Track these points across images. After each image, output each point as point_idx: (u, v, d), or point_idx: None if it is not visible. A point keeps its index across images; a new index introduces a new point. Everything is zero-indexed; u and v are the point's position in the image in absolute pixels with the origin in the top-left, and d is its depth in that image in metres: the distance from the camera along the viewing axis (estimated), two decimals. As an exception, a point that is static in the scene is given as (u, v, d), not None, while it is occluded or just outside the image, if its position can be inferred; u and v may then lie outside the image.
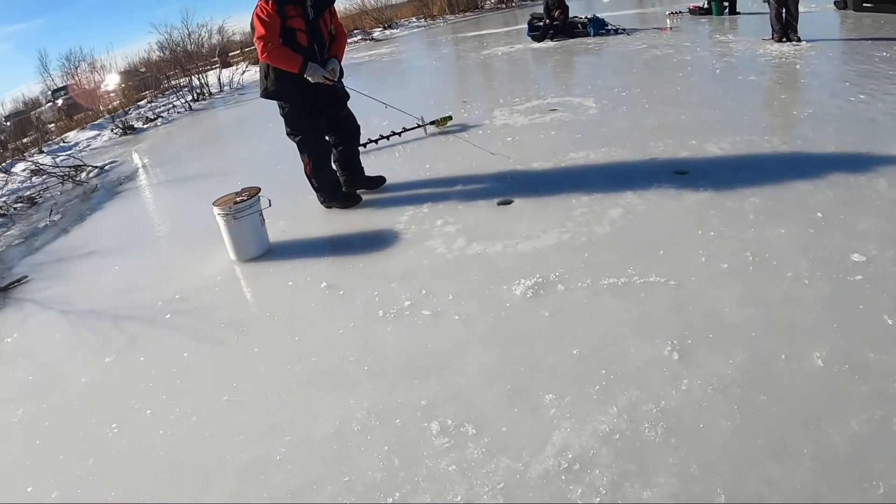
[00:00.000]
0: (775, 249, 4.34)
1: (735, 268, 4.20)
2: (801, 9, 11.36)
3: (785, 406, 3.08)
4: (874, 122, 6.53)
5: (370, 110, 7.42)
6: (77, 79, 29.95)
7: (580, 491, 2.78)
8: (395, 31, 30.19)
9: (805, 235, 4.46)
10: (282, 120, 5.98)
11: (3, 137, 20.90)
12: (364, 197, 6.42)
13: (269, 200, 5.60)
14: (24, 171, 12.47)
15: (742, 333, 3.61)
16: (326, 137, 6.14)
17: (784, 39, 11.35)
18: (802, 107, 7.49)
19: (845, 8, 14.43)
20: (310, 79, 5.56)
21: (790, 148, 6.10)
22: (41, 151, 15.31)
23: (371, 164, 7.18)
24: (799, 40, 11.17)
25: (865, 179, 5.17)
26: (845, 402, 3.07)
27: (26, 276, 6.56)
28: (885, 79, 8.12)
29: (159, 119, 16.63)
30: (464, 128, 8.60)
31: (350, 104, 6.25)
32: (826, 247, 4.29)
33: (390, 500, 2.86)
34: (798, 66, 9.55)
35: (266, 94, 5.81)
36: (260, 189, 5.54)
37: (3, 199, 10.61)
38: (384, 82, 14.51)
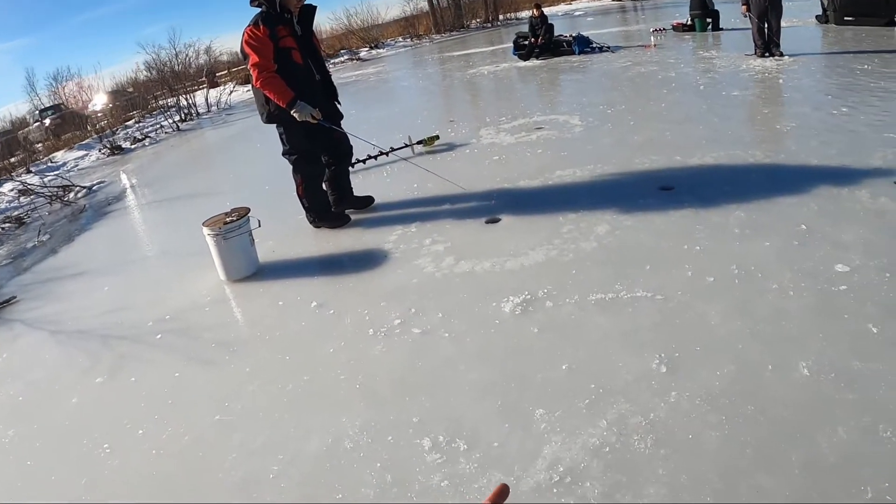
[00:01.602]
0: (761, 262, 4.38)
1: (721, 281, 4.24)
2: (782, 23, 11.51)
3: (773, 416, 3.11)
4: (856, 133, 6.60)
5: (355, 130, 7.44)
6: (66, 97, 29.99)
7: (572, 503, 2.79)
8: (381, 50, 30.35)
9: (790, 248, 4.50)
10: (277, 140, 6.01)
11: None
12: (353, 217, 6.44)
13: (259, 221, 5.61)
14: (11, 190, 12.45)
15: (729, 345, 3.64)
16: (322, 158, 6.16)
17: (766, 54, 11.50)
18: (785, 120, 7.59)
19: (827, 22, 14.62)
20: (296, 116, 5.60)
21: (774, 161, 6.17)
22: (29, 171, 15.28)
23: (359, 183, 7.20)
24: (781, 55, 11.31)
25: (848, 191, 5.23)
26: (832, 410, 3.10)
27: (15, 297, 6.54)
28: (866, 91, 8.23)
29: (147, 139, 16.64)
30: (451, 147, 8.65)
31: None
32: (811, 258, 4.34)
33: None
34: (781, 81, 9.65)
35: (269, 118, 5.82)
36: (249, 209, 5.55)
37: (-8, 218, 10.58)
38: (371, 102, 14.57)
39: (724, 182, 5.79)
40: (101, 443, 3.75)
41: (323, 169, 6.21)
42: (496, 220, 5.81)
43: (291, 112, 5.57)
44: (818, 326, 3.69)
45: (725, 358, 3.54)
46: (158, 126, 18.62)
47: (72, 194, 11.28)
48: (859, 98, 7.93)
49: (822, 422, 3.04)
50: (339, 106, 6.24)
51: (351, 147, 6.37)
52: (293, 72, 5.65)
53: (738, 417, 3.13)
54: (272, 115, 5.78)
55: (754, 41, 11.67)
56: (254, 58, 5.47)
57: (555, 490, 2.87)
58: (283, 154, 6.04)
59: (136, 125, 20.62)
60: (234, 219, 5.36)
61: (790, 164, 6.04)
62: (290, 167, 6.08)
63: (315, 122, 5.69)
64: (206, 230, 5.33)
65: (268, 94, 5.59)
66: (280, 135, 5.95)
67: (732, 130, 7.37)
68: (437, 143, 8.81)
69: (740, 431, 3.05)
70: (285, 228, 6.37)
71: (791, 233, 4.69)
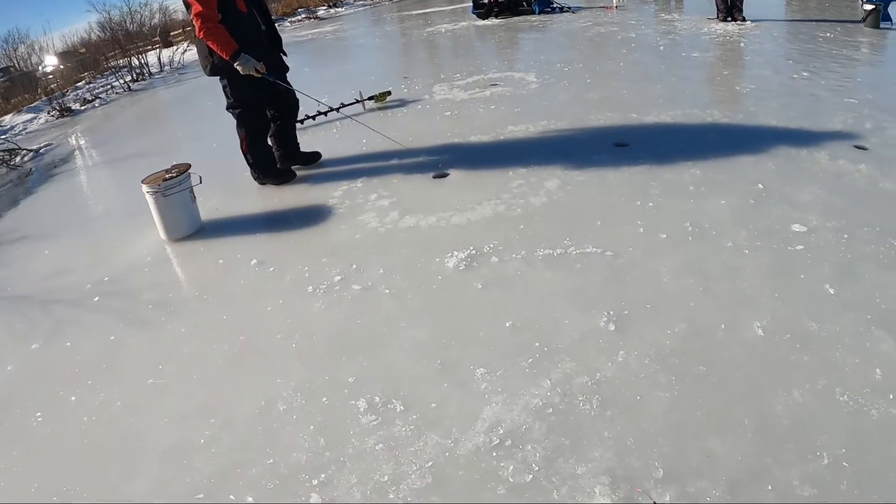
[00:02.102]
0: (715, 220, 4.25)
1: (674, 238, 4.10)
2: (746, -10, 11.40)
3: (725, 377, 2.97)
4: (817, 97, 6.52)
5: (308, 87, 7.15)
6: (16, 60, 29.07)
7: (512, 468, 2.64)
8: (339, 9, 29.73)
9: (746, 206, 4.38)
10: (222, 95, 5.71)
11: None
12: (299, 173, 6.19)
13: (200, 177, 5.34)
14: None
15: (680, 304, 3.49)
16: (267, 112, 5.88)
17: (729, 19, 11.40)
18: (745, 82, 7.47)
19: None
20: (240, 69, 5.30)
21: (732, 121, 6.05)
22: (-26, 136, 14.64)
23: (308, 140, 6.96)
24: (744, 20, 11.21)
25: (807, 152, 5.13)
26: (787, 371, 2.97)
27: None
28: (828, 58, 8.16)
29: (97, 100, 16.03)
30: (403, 103, 8.41)
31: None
32: (767, 217, 4.22)
33: (315, 482, 2.69)
34: (742, 44, 9.56)
35: (212, 70, 5.49)
36: (190, 165, 5.28)
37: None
38: (326, 60, 14.20)
39: (681, 140, 5.64)
40: (33, 411, 3.49)
41: (268, 123, 5.94)
42: (444, 176, 5.61)
43: (235, 65, 5.27)
44: (773, 286, 3.56)
45: (676, 316, 3.39)
46: (109, 87, 17.93)
47: (18, 158, 10.80)
48: (821, 64, 7.86)
49: (777, 384, 2.91)
50: (285, 58, 5.95)
51: (297, 101, 6.09)
52: (237, 22, 5.32)
53: (689, 378, 2.98)
54: (215, 67, 5.47)
55: (717, 5, 11.57)
56: (196, 7, 5.13)
57: (494, 454, 2.71)
58: (227, 108, 5.75)
59: (87, 86, 19.90)
60: (174, 175, 5.10)
61: (748, 125, 5.92)
62: (235, 122, 5.79)
63: (259, 75, 5.40)
64: (144, 188, 5.07)
65: (211, 46, 5.27)
66: (224, 88, 5.64)
67: (691, 90, 7.24)
68: (389, 99, 8.56)
69: (691, 393, 2.90)
70: (230, 186, 6.10)
71: (747, 191, 4.56)
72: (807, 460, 2.54)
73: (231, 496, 2.70)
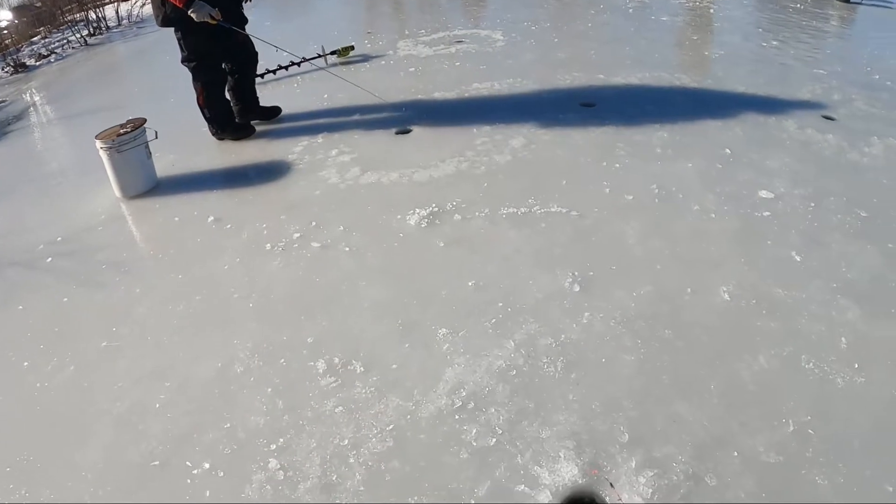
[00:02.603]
0: (682, 183, 4.19)
1: (640, 200, 4.03)
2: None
3: (691, 341, 2.92)
4: (786, 66, 6.49)
5: (270, 39, 6.93)
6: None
7: (475, 431, 2.57)
8: (301, -39, 29.13)
9: (713, 170, 4.33)
10: (178, 48, 5.46)
11: None
12: (258, 128, 5.98)
13: (156, 132, 5.12)
14: None
15: (646, 266, 3.43)
16: (223, 65, 5.65)
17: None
18: (714, 48, 7.41)
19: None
20: (194, 17, 5.05)
21: (700, 86, 5.97)
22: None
23: (267, 94, 6.70)
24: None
25: (775, 120, 5.10)
26: (753, 337, 2.94)
27: None
28: (797, 28, 8.13)
29: (53, 55, 15.45)
30: (366, 58, 8.19)
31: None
32: (734, 182, 4.18)
33: (273, 447, 2.60)
34: (712, 10, 9.47)
35: (166, 20, 5.22)
36: (145, 120, 5.05)
37: None
38: (287, 13, 13.86)
39: (648, 102, 5.56)
40: (-15, 379, 3.32)
41: (224, 76, 5.70)
42: (407, 132, 5.46)
43: (189, 12, 5.02)
44: (740, 251, 3.53)
45: (642, 279, 3.33)
46: (65, 42, 17.33)
47: (-31, 117, 10.39)
48: (791, 34, 7.82)
49: (743, 349, 2.88)
50: (244, 6, 5.70)
51: (255, 53, 5.86)
52: None
53: (655, 341, 2.93)
54: (168, 17, 5.20)
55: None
56: None
57: (457, 416, 2.64)
58: (182, 61, 5.49)
59: (42, 41, 19.23)
60: (129, 130, 4.87)
61: (717, 90, 5.86)
62: (191, 76, 5.56)
63: (214, 23, 5.16)
64: (98, 143, 4.84)
65: None
66: (178, 40, 5.38)
67: (659, 53, 7.14)
68: (351, 54, 8.34)
69: (657, 356, 2.85)
70: (187, 141, 5.87)
71: (715, 156, 4.51)
72: (773, 427, 2.52)
73: (187, 462, 2.59)
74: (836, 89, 5.74)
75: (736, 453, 2.41)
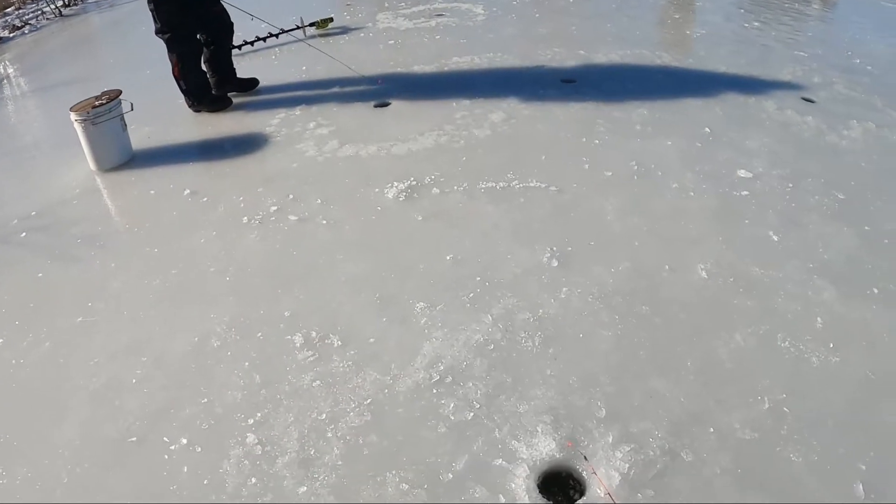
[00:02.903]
0: (661, 161, 4.18)
1: (620, 176, 4.02)
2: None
3: (669, 317, 2.93)
4: (767, 48, 6.49)
5: (244, 14, 6.82)
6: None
7: (452, 405, 2.56)
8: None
9: (692, 149, 4.33)
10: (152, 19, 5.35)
11: None
12: (235, 100, 5.88)
13: (132, 104, 5.01)
14: None
15: (625, 242, 3.43)
16: (198, 35, 5.54)
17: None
18: (696, 27, 7.41)
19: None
20: None
21: (681, 64, 5.95)
22: None
23: (245, 66, 6.59)
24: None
25: (755, 100, 5.10)
26: (730, 315, 2.95)
27: None
28: (780, 10, 8.12)
29: (27, 27, 15.18)
30: (345, 30, 8.09)
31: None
32: (713, 161, 4.18)
33: (251, 421, 2.57)
34: (694, -11, 9.47)
35: None
36: (121, 92, 4.94)
37: None
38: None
39: (629, 79, 5.54)
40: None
41: (200, 47, 5.58)
42: (385, 105, 5.41)
43: None
44: (718, 229, 3.53)
45: (621, 255, 3.32)
46: (39, 12, 17.02)
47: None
48: (772, 16, 7.82)
49: (719, 327, 2.89)
50: None
51: (231, 24, 5.74)
52: None
53: (632, 318, 2.93)
54: None
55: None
56: None
57: (434, 391, 2.63)
58: (156, 33, 5.37)
59: (16, 12, 18.83)
60: (104, 102, 4.77)
61: (698, 69, 5.85)
62: (166, 48, 5.44)
63: None
64: (73, 115, 4.73)
65: None
66: (151, 11, 5.27)
67: (641, 31, 7.09)
68: (330, 26, 8.23)
69: (634, 332, 2.85)
70: (163, 113, 5.76)
71: (694, 134, 4.51)
72: (748, 404, 2.52)
73: (164, 438, 2.55)
74: (817, 72, 5.75)
75: (712, 430, 2.42)
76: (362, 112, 5.33)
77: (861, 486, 2.24)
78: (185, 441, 2.53)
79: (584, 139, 4.48)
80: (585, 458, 2.32)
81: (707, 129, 4.57)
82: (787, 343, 2.80)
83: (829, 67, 5.88)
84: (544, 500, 2.23)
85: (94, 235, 4.04)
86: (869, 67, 5.94)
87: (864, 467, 2.31)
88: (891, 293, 3.11)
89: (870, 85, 5.51)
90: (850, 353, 2.77)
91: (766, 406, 2.51)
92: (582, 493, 2.25)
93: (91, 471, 2.46)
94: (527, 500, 2.21)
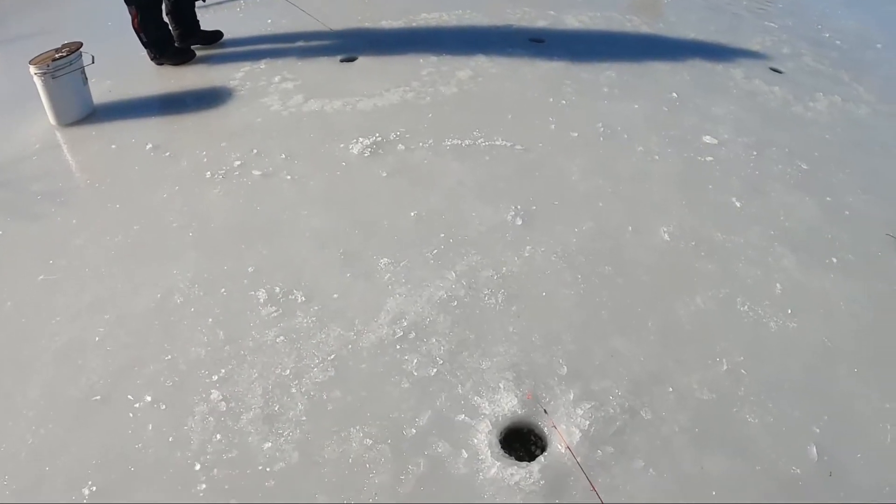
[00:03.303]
0: (628, 123, 4.18)
1: (585, 137, 4.02)
2: None
3: (631, 278, 2.95)
4: (738, 17, 6.48)
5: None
6: None
7: (416, 361, 2.57)
8: None
9: (659, 113, 4.34)
10: None
11: None
12: (198, 53, 5.73)
13: (93, 57, 4.86)
14: None
15: (589, 203, 3.44)
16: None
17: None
18: (667, -7, 7.35)
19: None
20: None
21: (651, 29, 5.92)
22: None
23: (209, 18, 6.39)
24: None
25: (723, 68, 5.12)
26: (691, 278, 2.99)
27: None
28: (751, -21, 8.12)
29: (-20, -23, 14.71)
30: (313, -18, 7.96)
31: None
32: (679, 126, 4.19)
33: (215, 378, 2.55)
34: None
35: None
36: (81, 44, 4.79)
37: None
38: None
39: (598, 41, 5.52)
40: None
41: (160, -1, 5.43)
42: (352, 60, 5.32)
43: None
44: (682, 194, 3.56)
45: (585, 215, 3.34)
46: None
47: None
48: (744, -16, 7.81)
49: (681, 289, 2.92)
50: None
51: None
52: None
53: (595, 277, 2.95)
54: None
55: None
56: None
57: (398, 346, 2.63)
58: None
59: None
60: (64, 55, 4.62)
61: (667, 35, 5.83)
62: None
63: None
64: (32, 69, 4.58)
65: None
66: None
67: (610, -7, 7.06)
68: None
69: (596, 292, 2.87)
70: (125, 66, 5.59)
71: (661, 99, 4.52)
72: (707, 365, 2.57)
73: (129, 396, 2.52)
74: (786, 43, 5.77)
75: (671, 389, 2.45)
76: (328, 67, 5.24)
77: (815, 449, 2.31)
78: (149, 399, 2.50)
79: (552, 99, 4.46)
80: (545, 411, 2.35)
81: (674, 94, 4.57)
82: (746, 307, 2.85)
83: (798, 39, 5.90)
84: (506, 456, 2.25)
85: (55, 192, 3.92)
86: (838, 42, 5.98)
87: (818, 430, 2.38)
88: (849, 263, 3.17)
89: (838, 59, 5.56)
90: (808, 319, 2.83)
91: (725, 368, 2.55)
92: (543, 450, 2.27)
93: (55, 431, 2.43)
94: (489, 456, 2.23)
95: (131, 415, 2.45)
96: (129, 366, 2.65)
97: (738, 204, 3.49)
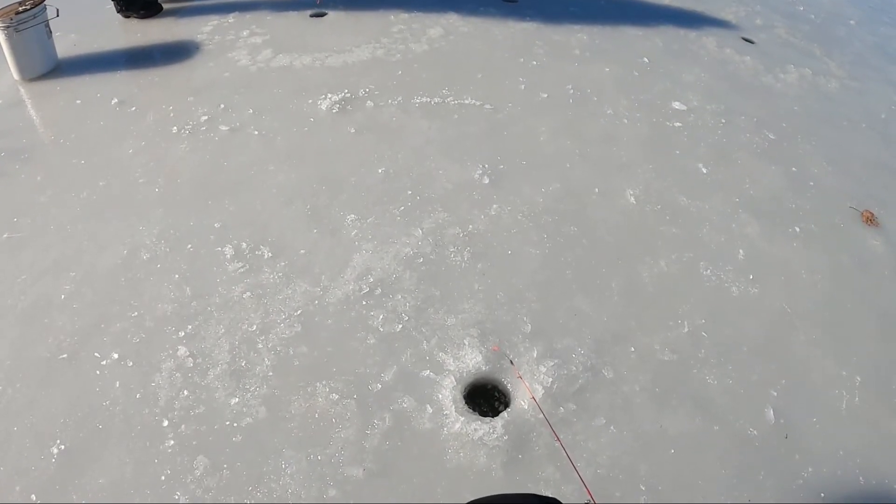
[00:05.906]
0: (597, 86, 4.18)
1: (555, 99, 4.01)
2: None
3: (596, 239, 2.97)
4: (711, -15, 6.47)
5: None
6: None
7: (382, 317, 2.57)
8: None
9: (629, 77, 4.34)
10: None
11: None
12: (165, 6, 5.59)
13: (57, 10, 4.71)
14: None
15: (556, 163, 3.45)
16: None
17: None
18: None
19: None
20: None
21: (623, -7, 5.91)
22: None
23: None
24: None
25: (696, 36, 5.13)
26: (655, 241, 3.02)
27: None
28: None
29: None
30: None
31: None
32: (649, 91, 4.20)
33: (182, 334, 2.54)
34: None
35: None
36: None
37: None
38: None
39: (571, 3, 5.48)
40: None
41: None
42: (322, 15, 5.24)
43: None
44: (649, 157, 3.58)
45: (552, 175, 3.34)
46: None
47: None
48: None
49: (644, 252, 2.95)
50: None
51: None
52: None
53: (560, 237, 2.96)
54: None
55: None
56: None
57: (364, 302, 2.63)
58: None
59: None
60: (28, 7, 4.49)
61: (641, 0, 5.82)
62: None
63: None
64: None
65: None
66: None
67: (583, -43, 7.01)
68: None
69: (561, 252, 2.89)
70: (90, 20, 5.43)
71: (632, 63, 4.52)
72: (668, 327, 2.61)
73: (96, 353, 2.50)
74: (760, 14, 5.80)
75: (633, 349, 2.49)
76: (298, 22, 5.16)
77: (772, 411, 2.38)
78: (116, 356, 2.48)
79: (522, 60, 4.44)
80: (511, 362, 2.37)
81: (645, 59, 4.58)
82: (708, 272, 2.89)
83: (772, 11, 5.94)
84: (470, 411, 2.27)
85: (19, 148, 3.83)
86: (812, 16, 6.03)
87: (775, 394, 2.44)
88: (811, 233, 3.23)
89: (810, 33, 5.60)
90: (769, 286, 2.89)
91: (686, 330, 2.60)
92: (507, 406, 2.30)
93: (23, 390, 2.41)
94: (453, 411, 2.25)
95: (98, 372, 2.43)
96: (96, 323, 2.63)
97: (704, 170, 3.52)
